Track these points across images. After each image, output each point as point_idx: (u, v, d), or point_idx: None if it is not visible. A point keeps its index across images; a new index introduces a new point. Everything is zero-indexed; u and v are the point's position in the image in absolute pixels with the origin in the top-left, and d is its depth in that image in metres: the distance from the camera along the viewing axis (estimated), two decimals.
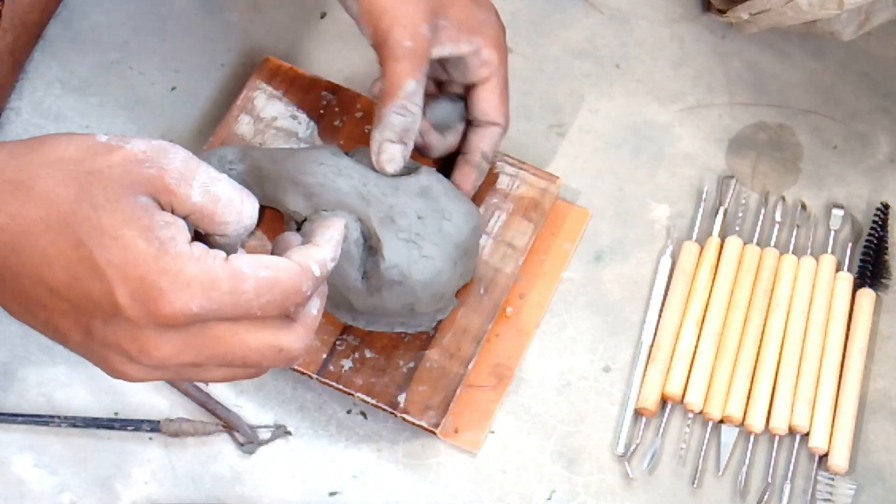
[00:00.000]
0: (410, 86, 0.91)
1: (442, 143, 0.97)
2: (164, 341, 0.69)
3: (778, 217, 1.02)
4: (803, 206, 1.03)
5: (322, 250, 0.72)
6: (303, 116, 1.02)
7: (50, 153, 0.69)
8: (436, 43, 0.92)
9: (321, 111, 1.02)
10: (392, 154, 0.92)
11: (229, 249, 0.70)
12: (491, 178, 1.00)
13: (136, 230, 0.67)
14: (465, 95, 0.97)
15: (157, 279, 0.67)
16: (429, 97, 0.96)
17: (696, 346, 0.97)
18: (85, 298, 0.68)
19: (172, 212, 0.69)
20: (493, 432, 0.95)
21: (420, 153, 0.97)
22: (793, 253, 1.01)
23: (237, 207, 0.69)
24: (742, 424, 0.95)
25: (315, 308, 0.72)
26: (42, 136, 0.70)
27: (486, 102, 0.96)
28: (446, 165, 0.98)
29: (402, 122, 0.91)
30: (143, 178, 0.68)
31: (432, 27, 0.92)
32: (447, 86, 0.99)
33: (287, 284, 0.69)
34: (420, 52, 0.91)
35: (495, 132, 0.97)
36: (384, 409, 0.92)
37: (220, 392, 0.95)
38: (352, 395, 0.93)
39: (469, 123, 0.97)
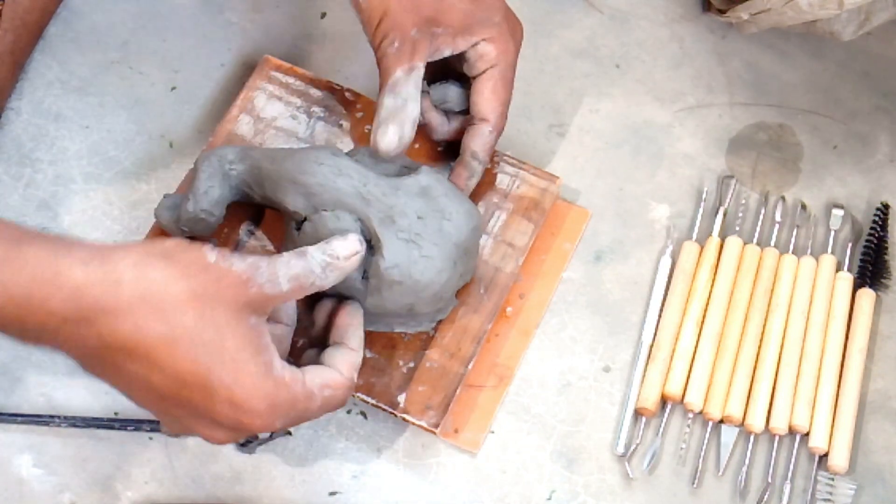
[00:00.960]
0: (398, 74, 0.93)
1: (445, 126, 0.99)
2: (232, 438, 0.82)
3: (778, 217, 1.02)
4: (803, 206, 1.03)
5: (357, 354, 0.87)
6: (303, 116, 1.02)
7: (170, 268, 0.77)
8: (433, 49, 0.94)
9: (321, 111, 1.02)
10: (385, 132, 0.93)
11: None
12: (490, 178, 1.00)
13: (249, 353, 0.79)
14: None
15: (257, 404, 0.79)
16: (436, 82, 0.98)
17: (696, 346, 0.97)
18: (184, 403, 0.79)
19: (273, 312, 0.84)
20: (493, 432, 0.95)
21: (428, 134, 0.99)
22: (793, 253, 1.01)
23: (315, 270, 0.83)
24: (742, 424, 0.95)
25: None
26: (161, 246, 0.79)
27: (478, 95, 0.96)
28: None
29: (391, 103, 0.93)
30: (251, 300, 0.79)
31: (426, 33, 0.93)
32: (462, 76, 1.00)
33: (340, 399, 0.84)
34: (409, 52, 0.93)
35: (485, 130, 0.97)
36: (384, 409, 0.92)
37: None
38: (352, 395, 0.93)
39: (467, 121, 0.98)
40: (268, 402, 0.79)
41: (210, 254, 0.78)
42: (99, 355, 0.78)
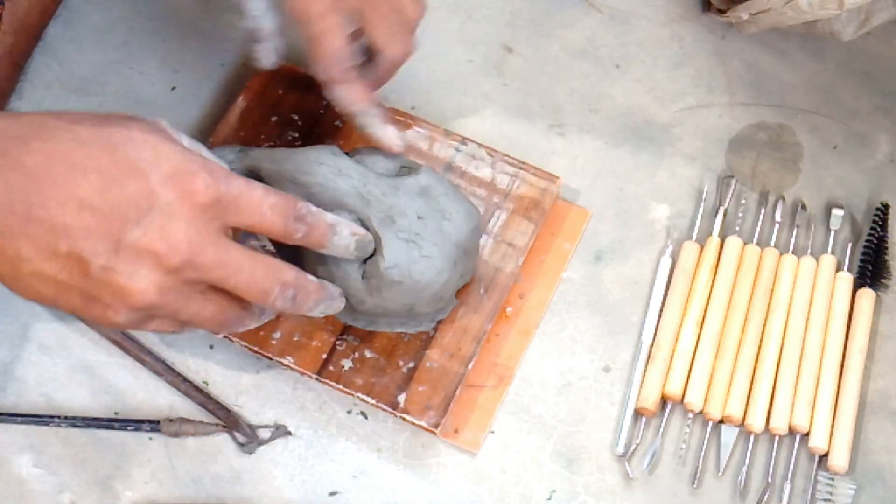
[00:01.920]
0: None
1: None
2: (192, 234, 0.76)
3: (778, 217, 1.02)
4: (803, 206, 1.03)
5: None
6: (303, 116, 1.02)
7: (63, 115, 0.77)
8: None
9: (321, 111, 1.02)
10: (259, 51, 0.96)
11: None
12: (490, 178, 1.00)
13: (160, 138, 0.77)
14: None
15: (187, 166, 0.76)
16: None
17: (696, 346, 0.97)
18: (119, 199, 0.75)
19: None
20: (493, 432, 0.95)
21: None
22: (793, 253, 1.01)
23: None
24: (742, 424, 0.95)
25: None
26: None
27: (369, 30, 0.94)
28: None
29: (247, 25, 0.95)
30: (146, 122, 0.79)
31: None
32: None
33: (284, 197, 0.80)
34: None
35: (379, 61, 0.95)
36: (384, 409, 0.92)
37: (220, 392, 0.95)
38: (352, 395, 0.93)
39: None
40: (198, 166, 0.76)
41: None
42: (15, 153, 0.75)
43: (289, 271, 0.81)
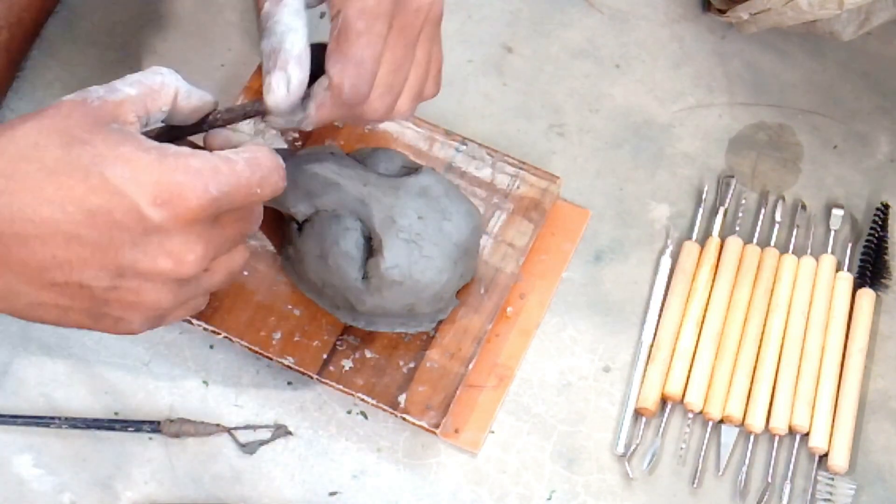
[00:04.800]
0: (265, 7, 0.79)
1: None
2: (194, 242, 0.72)
3: (778, 217, 1.02)
4: (803, 206, 1.03)
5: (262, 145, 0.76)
6: None
7: (17, 124, 0.72)
8: None
9: None
10: (269, 81, 0.79)
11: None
12: (490, 178, 1.00)
13: (130, 146, 0.70)
14: None
15: (171, 177, 0.70)
16: None
17: (696, 346, 0.97)
18: (109, 227, 0.70)
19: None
20: (493, 432, 0.95)
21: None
22: (793, 253, 1.01)
23: (166, 81, 0.75)
24: (742, 424, 0.95)
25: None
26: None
27: (329, 47, 0.81)
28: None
29: (267, 45, 0.79)
30: (100, 113, 0.72)
31: None
32: None
33: (267, 159, 0.74)
34: None
35: (320, 83, 0.81)
36: (384, 409, 0.92)
37: (221, 392, 0.95)
38: (352, 395, 0.93)
39: None
40: (181, 172, 0.70)
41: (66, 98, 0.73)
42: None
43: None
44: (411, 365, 0.94)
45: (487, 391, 0.95)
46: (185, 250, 0.72)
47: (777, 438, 0.95)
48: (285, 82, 0.78)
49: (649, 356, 0.97)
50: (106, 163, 0.70)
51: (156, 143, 0.72)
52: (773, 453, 0.94)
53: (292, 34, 0.78)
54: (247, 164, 0.73)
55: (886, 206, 1.03)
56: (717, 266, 1.00)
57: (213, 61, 1.07)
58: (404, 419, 0.92)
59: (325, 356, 0.94)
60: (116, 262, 0.71)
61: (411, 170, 0.95)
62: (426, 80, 0.85)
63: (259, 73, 1.03)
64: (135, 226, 0.70)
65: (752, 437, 0.95)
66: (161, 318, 0.76)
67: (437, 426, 0.92)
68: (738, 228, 1.02)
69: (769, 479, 0.94)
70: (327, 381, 0.93)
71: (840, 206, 1.03)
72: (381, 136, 1.01)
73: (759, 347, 0.97)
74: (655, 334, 0.98)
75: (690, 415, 0.95)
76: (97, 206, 0.70)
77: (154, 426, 0.93)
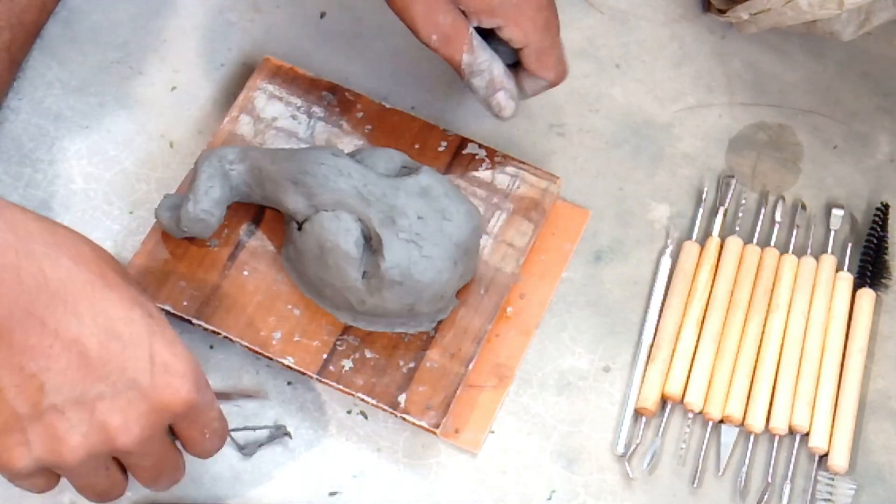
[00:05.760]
0: (466, 59, 0.95)
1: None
2: (148, 426, 0.77)
3: (778, 217, 1.02)
4: (803, 206, 1.03)
5: None
6: (303, 116, 1.02)
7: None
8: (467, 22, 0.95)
9: (321, 111, 1.02)
10: (498, 102, 0.97)
11: None
12: (490, 178, 1.00)
13: (152, 323, 0.77)
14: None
15: (178, 365, 0.77)
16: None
17: (696, 346, 0.97)
18: (112, 357, 0.76)
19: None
20: (493, 432, 0.95)
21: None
22: (793, 253, 1.01)
23: None
24: (742, 424, 0.95)
25: None
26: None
27: (525, 65, 0.97)
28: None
29: (481, 82, 0.96)
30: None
31: (452, 12, 0.94)
32: None
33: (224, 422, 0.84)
34: (454, 35, 0.94)
35: (538, 82, 0.99)
36: (384, 410, 0.92)
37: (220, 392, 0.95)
38: (352, 395, 0.93)
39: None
40: (190, 367, 0.78)
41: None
42: (26, 302, 0.75)
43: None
44: (411, 365, 0.94)
45: (487, 391, 0.95)
46: (139, 426, 0.77)
47: (777, 438, 0.95)
48: (509, 97, 0.98)
49: (649, 356, 0.97)
50: (128, 322, 0.76)
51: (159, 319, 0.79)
52: (773, 453, 0.94)
53: (494, 63, 0.96)
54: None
55: (886, 206, 1.03)
56: (717, 266, 1.00)
57: (213, 61, 1.07)
58: (404, 419, 0.92)
59: (325, 356, 0.94)
60: (87, 388, 0.75)
61: (411, 170, 0.95)
62: None
63: (259, 73, 1.03)
64: (129, 372, 0.76)
65: (752, 437, 0.95)
66: (47, 474, 0.80)
67: (437, 426, 0.92)
68: (738, 228, 1.02)
69: (769, 479, 0.94)
70: (327, 381, 0.93)
71: (840, 206, 1.03)
72: (381, 137, 1.01)
73: (759, 347, 0.97)
74: (655, 334, 0.98)
75: (690, 415, 0.95)
76: (114, 334, 0.76)
77: None
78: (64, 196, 1.00)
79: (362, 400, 0.93)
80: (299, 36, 1.08)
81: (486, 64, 0.96)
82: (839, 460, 0.93)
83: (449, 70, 1.01)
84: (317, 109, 1.02)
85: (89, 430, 0.76)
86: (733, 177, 1.04)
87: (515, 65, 0.98)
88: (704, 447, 0.94)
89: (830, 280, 1.00)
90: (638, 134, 1.06)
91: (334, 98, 1.02)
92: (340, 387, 0.93)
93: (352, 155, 0.95)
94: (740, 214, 1.02)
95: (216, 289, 0.95)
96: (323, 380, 0.93)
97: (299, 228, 0.93)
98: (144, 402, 0.76)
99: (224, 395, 0.92)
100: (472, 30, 0.95)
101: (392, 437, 0.94)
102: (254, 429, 0.93)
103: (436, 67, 1.05)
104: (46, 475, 0.80)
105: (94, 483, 0.81)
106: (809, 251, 1.01)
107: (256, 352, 0.94)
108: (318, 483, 0.93)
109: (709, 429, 0.95)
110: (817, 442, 0.94)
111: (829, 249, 1.01)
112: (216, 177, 0.94)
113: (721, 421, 0.95)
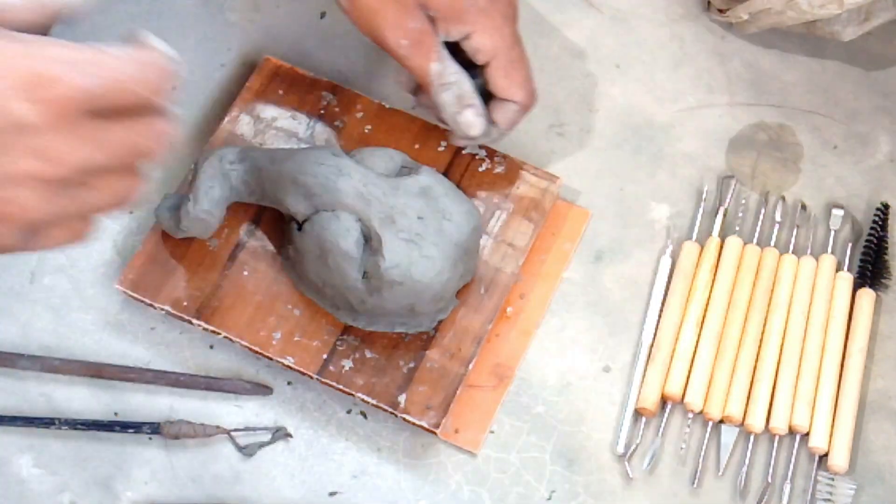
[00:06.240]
0: (434, 68, 0.94)
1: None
2: (66, 140, 0.65)
3: (778, 217, 1.02)
4: (803, 206, 1.03)
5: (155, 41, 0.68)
6: (303, 116, 1.02)
7: None
8: (436, 31, 0.93)
9: (321, 111, 1.02)
10: (467, 119, 0.95)
11: None
12: (490, 178, 1.00)
13: None
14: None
15: (38, 67, 0.64)
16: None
17: (696, 346, 0.97)
18: None
19: None
20: (493, 432, 0.95)
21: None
22: (793, 253, 1.01)
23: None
24: (742, 424, 0.95)
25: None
26: None
27: (492, 83, 0.96)
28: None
29: (449, 97, 0.95)
30: None
31: (421, 18, 0.92)
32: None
33: (151, 58, 0.67)
34: (423, 41, 0.93)
35: (508, 107, 0.97)
36: (384, 409, 0.92)
37: (220, 392, 0.95)
38: (352, 395, 0.93)
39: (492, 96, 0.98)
40: (54, 63, 0.64)
41: None
42: None
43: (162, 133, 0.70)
44: (411, 365, 0.94)
45: (487, 391, 0.95)
46: (54, 148, 0.65)
47: (777, 438, 0.95)
48: (478, 114, 0.95)
49: (649, 356, 0.97)
50: None
51: (24, 35, 0.65)
52: (773, 453, 0.94)
53: (463, 78, 0.94)
54: (129, 60, 0.66)
55: (886, 206, 1.03)
56: (716, 266, 1.00)
57: (213, 61, 1.07)
58: (404, 419, 0.92)
59: (325, 356, 0.94)
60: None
61: (411, 170, 0.95)
62: None
63: (260, 73, 1.03)
64: (8, 127, 0.64)
65: (752, 437, 0.95)
66: (34, 231, 0.68)
67: (437, 426, 0.92)
68: (738, 228, 1.02)
69: (769, 479, 0.94)
70: (327, 381, 0.93)
71: (840, 206, 1.03)
72: (381, 137, 1.01)
73: (759, 347, 0.97)
74: (655, 334, 0.98)
75: (690, 415, 0.95)
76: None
77: (154, 427, 0.93)
78: None
79: (362, 400, 0.93)
80: (299, 36, 1.08)
81: (455, 76, 0.94)
82: (839, 460, 0.93)
83: None
84: (317, 109, 1.02)
85: (24, 189, 0.65)
86: (733, 177, 1.04)
87: (484, 96, 0.97)
88: (704, 447, 0.94)
89: (830, 280, 0.99)
90: (638, 134, 1.06)
91: (334, 98, 1.02)
92: (340, 387, 0.93)
93: (352, 155, 0.95)
94: (740, 214, 1.02)
95: (216, 289, 0.95)
96: (323, 380, 0.93)
97: (299, 228, 0.93)
98: (41, 131, 0.65)
99: (226, 387, 0.92)
100: (439, 41, 0.94)
101: (392, 437, 0.94)
102: (254, 430, 0.94)
103: None
104: (58, 229, 0.68)
105: (99, 201, 0.69)
106: (809, 251, 1.01)
107: (256, 352, 0.94)
108: (318, 483, 0.93)
109: (709, 429, 0.95)
110: (817, 442, 0.94)
111: (829, 249, 1.01)
112: (216, 177, 0.94)
113: (721, 421, 0.95)
